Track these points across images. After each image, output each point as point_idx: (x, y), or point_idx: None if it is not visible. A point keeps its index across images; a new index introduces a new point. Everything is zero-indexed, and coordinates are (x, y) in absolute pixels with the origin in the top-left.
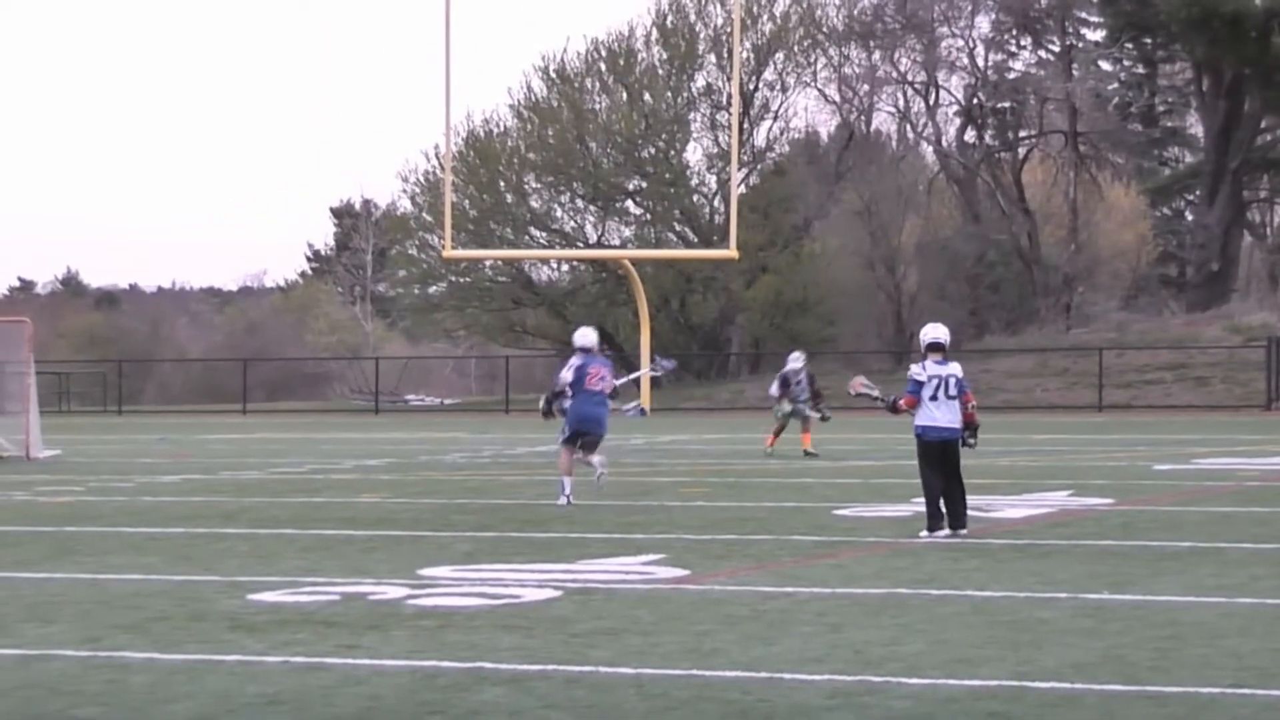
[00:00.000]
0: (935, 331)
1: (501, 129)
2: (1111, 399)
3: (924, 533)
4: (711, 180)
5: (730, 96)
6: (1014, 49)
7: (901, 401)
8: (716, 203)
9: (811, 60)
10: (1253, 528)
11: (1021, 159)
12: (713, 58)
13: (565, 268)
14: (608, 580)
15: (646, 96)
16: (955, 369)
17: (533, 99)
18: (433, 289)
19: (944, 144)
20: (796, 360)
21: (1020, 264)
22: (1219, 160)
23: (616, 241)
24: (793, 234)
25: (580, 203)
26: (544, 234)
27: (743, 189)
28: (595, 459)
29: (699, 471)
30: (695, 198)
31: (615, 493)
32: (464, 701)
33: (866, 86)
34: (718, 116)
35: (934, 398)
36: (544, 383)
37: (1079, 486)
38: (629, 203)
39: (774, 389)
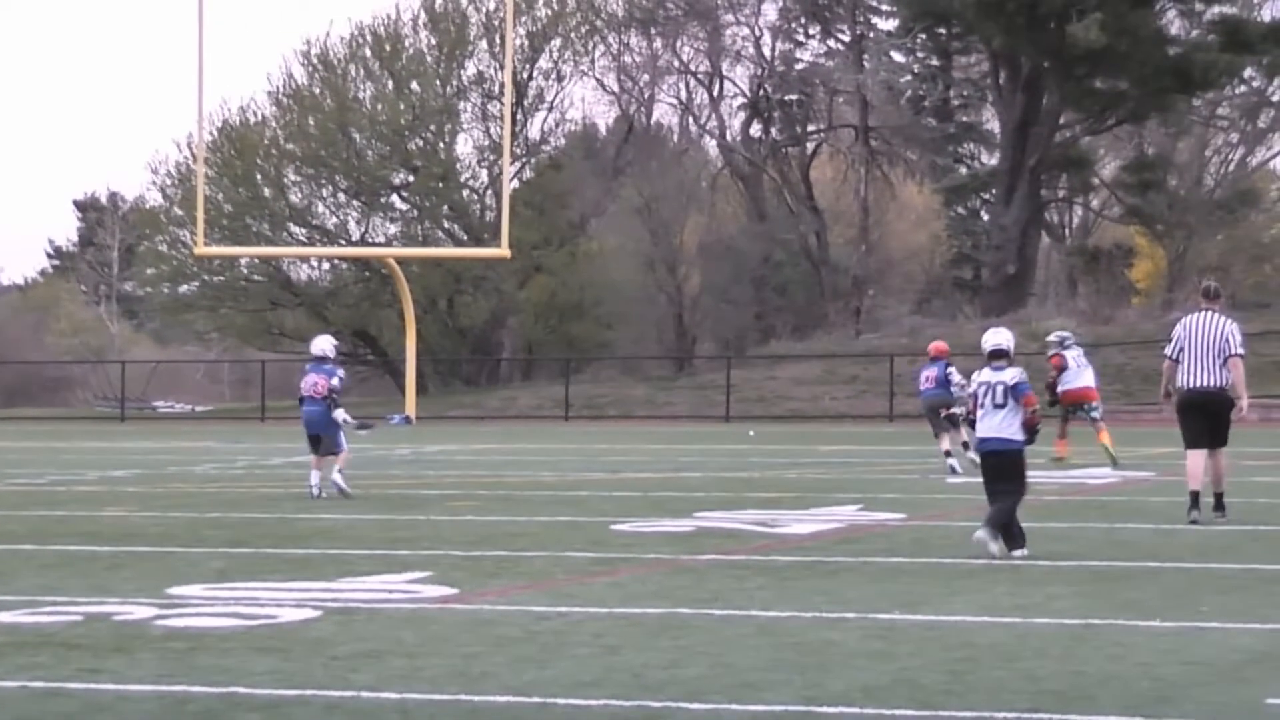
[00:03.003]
0: (995, 337)
1: (259, 118)
2: (903, 408)
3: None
4: (483, 174)
5: (503, 86)
6: (802, 38)
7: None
8: (488, 198)
9: (589, 48)
10: (1050, 544)
11: (810, 155)
12: (485, 44)
13: (326, 266)
14: (370, 599)
15: (414, 85)
16: (1007, 375)
17: (293, 86)
18: (184, 288)
19: (728, 138)
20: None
21: (808, 265)
22: (1016, 158)
23: (381, 239)
24: (569, 232)
25: (343, 197)
26: (304, 230)
27: (516, 184)
28: (314, 476)
29: (468, 484)
30: (465, 193)
31: (379, 506)
32: None
33: (647, 76)
34: (490, 107)
35: (981, 405)
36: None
37: (869, 500)
38: (395, 198)
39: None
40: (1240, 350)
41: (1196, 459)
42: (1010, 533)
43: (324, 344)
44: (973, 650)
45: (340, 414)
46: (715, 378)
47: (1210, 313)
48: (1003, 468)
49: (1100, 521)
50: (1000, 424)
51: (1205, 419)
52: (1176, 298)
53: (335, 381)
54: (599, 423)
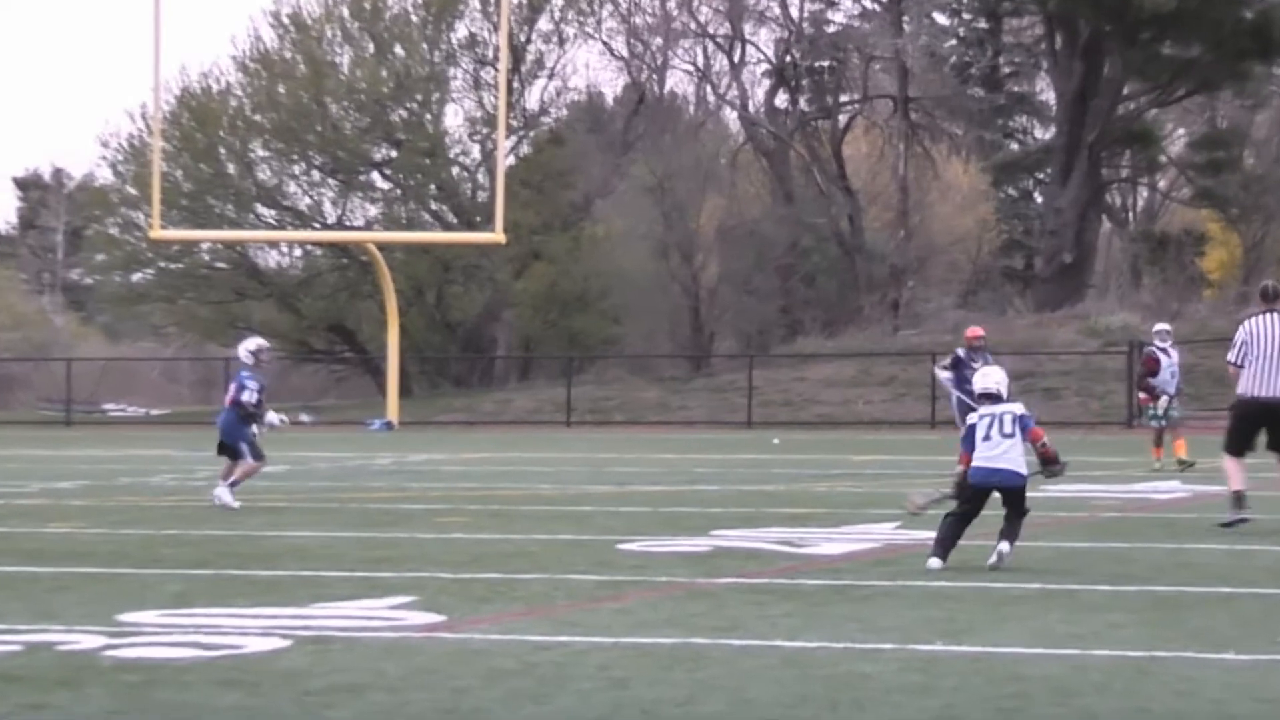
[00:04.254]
0: (986, 380)
1: (223, 86)
2: (946, 413)
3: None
4: (475, 150)
5: (498, 49)
6: None
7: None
8: (480, 177)
9: (595, 7)
10: (1110, 566)
11: (842, 129)
12: (477, 3)
13: (299, 253)
14: (348, 627)
15: (398, 49)
16: (1016, 406)
17: (261, 50)
18: (138, 276)
19: (751, 110)
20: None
21: (840, 253)
22: (1073, 133)
23: (360, 222)
24: (572, 214)
25: (317, 175)
26: (273, 212)
27: (512, 160)
28: (220, 486)
29: (457, 497)
30: (455, 170)
31: (357, 523)
32: None
33: (660, 40)
34: (483, 74)
35: (987, 437)
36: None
37: (908, 517)
38: (376, 175)
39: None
40: None
41: (1236, 464)
42: (951, 543)
43: (243, 347)
44: (1024, 685)
45: (272, 418)
46: (735, 379)
47: (1275, 315)
48: (1012, 500)
49: (1167, 541)
50: (1013, 454)
51: (1270, 431)
52: (1252, 290)
53: (246, 395)
54: (605, 429)
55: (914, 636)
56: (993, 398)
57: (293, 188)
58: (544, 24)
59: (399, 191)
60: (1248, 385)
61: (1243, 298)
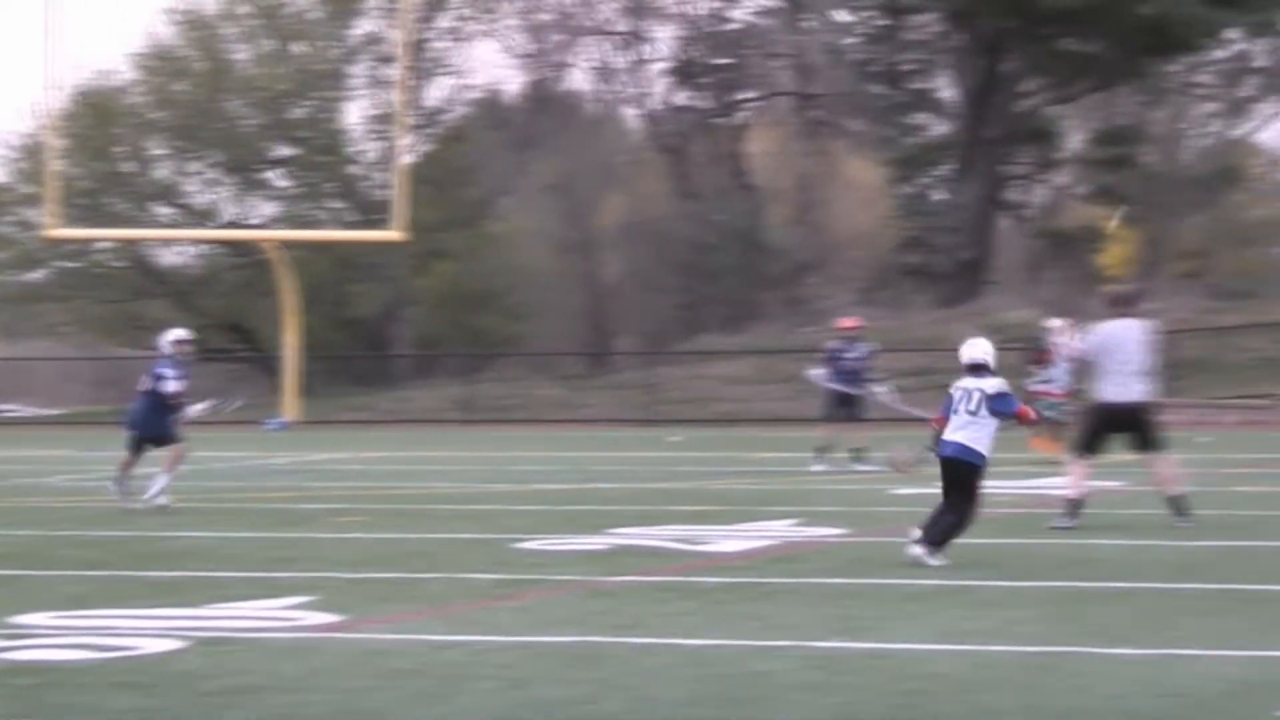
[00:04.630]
0: (974, 350)
1: (121, 83)
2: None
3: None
4: (375, 148)
5: (398, 47)
6: None
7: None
8: (381, 174)
9: (495, 5)
10: (1010, 562)
11: (743, 125)
12: (377, 0)
13: (197, 251)
14: (245, 628)
15: (297, 46)
16: (988, 383)
17: (159, 47)
18: (33, 275)
19: (652, 107)
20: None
21: (741, 250)
22: (974, 129)
23: (259, 220)
24: (473, 212)
25: (216, 173)
26: (171, 210)
27: (412, 158)
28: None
29: (357, 496)
30: (355, 168)
31: (255, 522)
32: None
33: (560, 37)
34: (383, 71)
35: (954, 410)
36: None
37: (807, 514)
38: (275, 173)
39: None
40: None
41: (1084, 467)
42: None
43: (164, 339)
44: (923, 682)
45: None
46: (637, 376)
47: (1130, 320)
48: (959, 478)
49: (1065, 537)
50: (969, 433)
51: (1131, 433)
52: (1151, 286)
53: (168, 386)
54: (505, 427)
55: (813, 634)
56: (978, 369)
57: (191, 186)
58: (444, 21)
59: (298, 189)
60: (1107, 390)
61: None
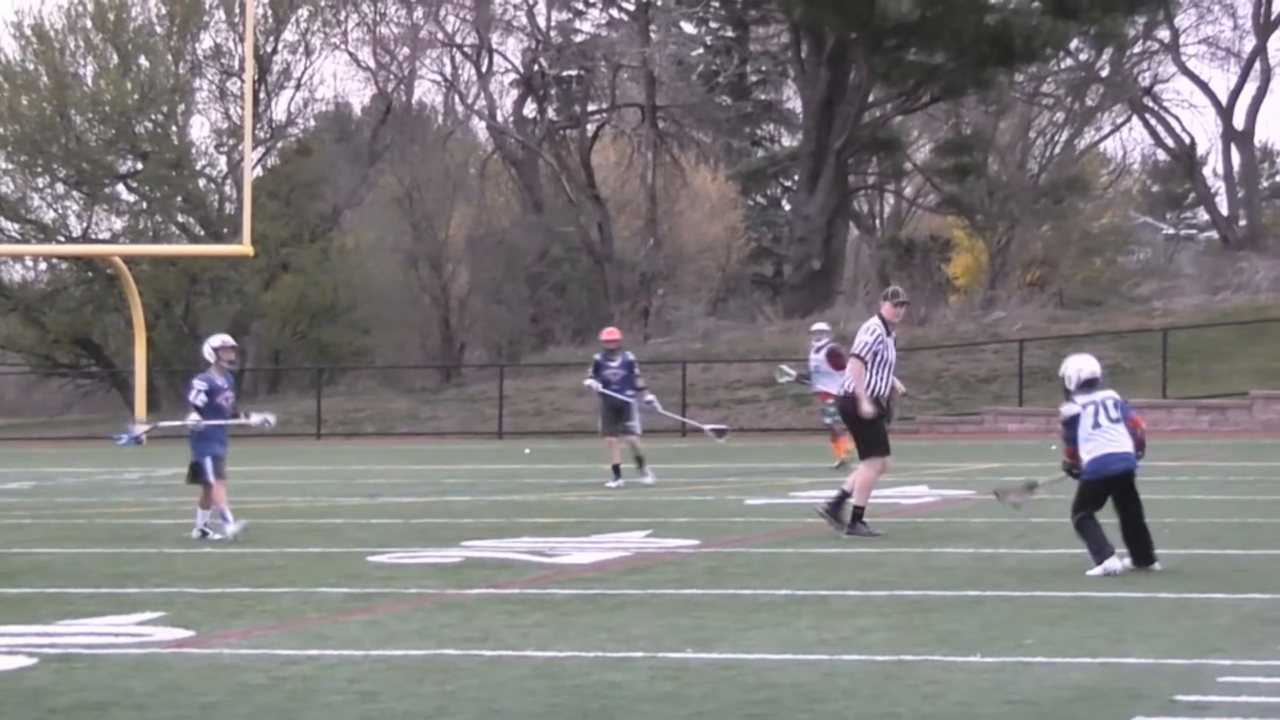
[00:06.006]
0: (1090, 366)
1: None
2: (696, 419)
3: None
4: (221, 161)
5: (243, 60)
6: (581, 6)
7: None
8: (228, 188)
9: (341, 18)
10: (860, 571)
11: (591, 137)
12: (222, 14)
13: (43, 266)
14: (94, 644)
15: (142, 60)
16: (1112, 392)
17: (3, 62)
18: None
19: (499, 119)
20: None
21: (590, 261)
22: (820, 140)
23: (106, 234)
24: (320, 225)
25: (62, 187)
26: (17, 226)
27: (259, 172)
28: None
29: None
30: (202, 182)
31: (104, 538)
32: None
33: (407, 50)
34: (229, 85)
35: (1097, 424)
36: (15, 404)
37: (658, 526)
38: (121, 188)
39: None
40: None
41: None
42: (1106, 541)
43: (206, 345)
44: (773, 691)
45: (255, 418)
46: (486, 389)
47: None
48: (1128, 483)
49: (914, 546)
50: (1127, 440)
51: None
52: (999, 295)
53: (191, 395)
54: (355, 440)
55: (664, 645)
56: (1092, 384)
57: (36, 200)
58: (289, 34)
59: (145, 204)
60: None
61: (989, 302)
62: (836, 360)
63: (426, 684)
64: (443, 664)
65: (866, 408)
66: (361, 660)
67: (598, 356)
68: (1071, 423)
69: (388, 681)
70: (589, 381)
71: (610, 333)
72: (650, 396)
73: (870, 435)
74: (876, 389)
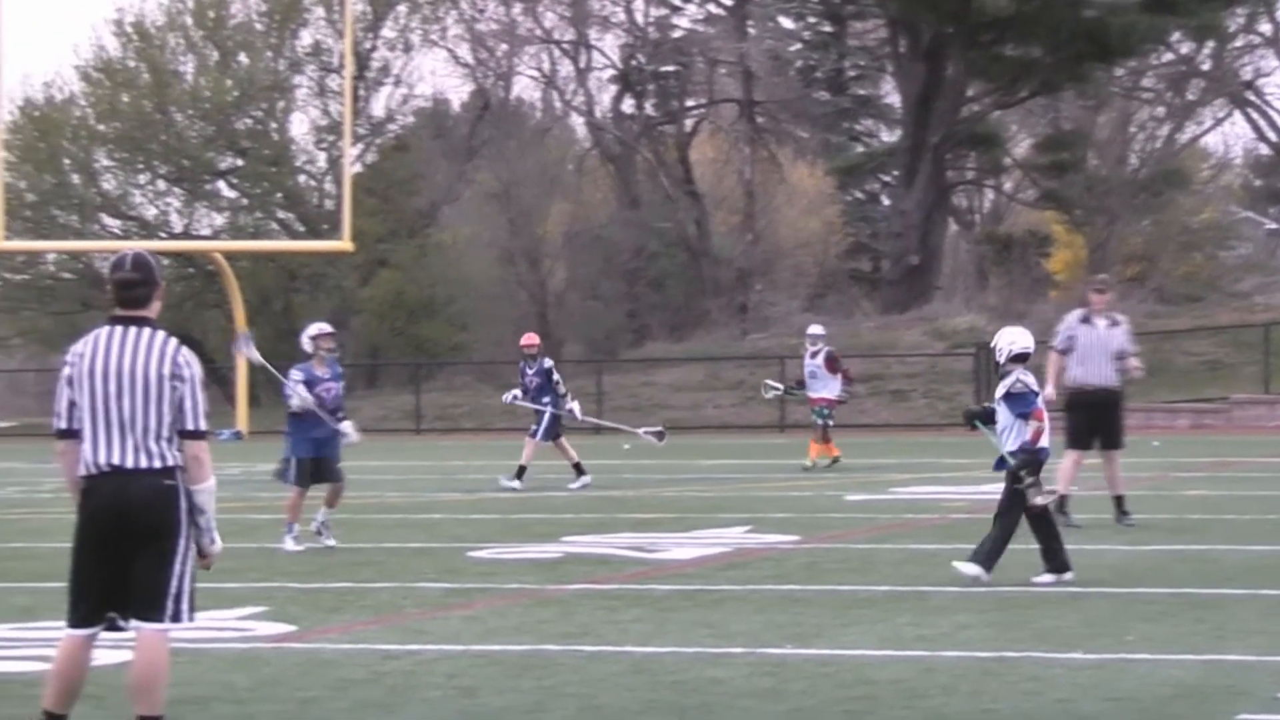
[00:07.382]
0: (1025, 340)
1: (66, 95)
2: (795, 417)
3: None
4: (321, 158)
5: (342, 57)
6: (679, 2)
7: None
8: (327, 185)
9: (440, 15)
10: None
11: (688, 133)
12: (321, 11)
13: None
14: (196, 639)
15: (242, 57)
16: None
17: (104, 59)
18: None
19: (597, 115)
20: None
21: (687, 257)
22: (918, 135)
23: (206, 231)
24: (418, 221)
25: (162, 184)
26: (119, 222)
27: (358, 168)
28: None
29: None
30: (301, 179)
31: None
32: None
33: (505, 46)
34: (328, 82)
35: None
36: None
37: (757, 521)
38: (221, 184)
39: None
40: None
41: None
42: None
43: (304, 335)
44: (872, 688)
45: (345, 429)
46: (584, 384)
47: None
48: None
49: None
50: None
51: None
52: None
53: (286, 391)
54: (453, 435)
55: (763, 641)
56: (1024, 359)
57: (138, 197)
58: (388, 31)
59: (244, 200)
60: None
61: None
62: (834, 364)
63: (525, 679)
64: (541, 659)
65: (1050, 392)
66: (460, 655)
67: (521, 364)
68: (1032, 397)
69: (487, 677)
70: (508, 396)
71: (529, 338)
72: (571, 405)
73: (1067, 425)
74: (1077, 378)
